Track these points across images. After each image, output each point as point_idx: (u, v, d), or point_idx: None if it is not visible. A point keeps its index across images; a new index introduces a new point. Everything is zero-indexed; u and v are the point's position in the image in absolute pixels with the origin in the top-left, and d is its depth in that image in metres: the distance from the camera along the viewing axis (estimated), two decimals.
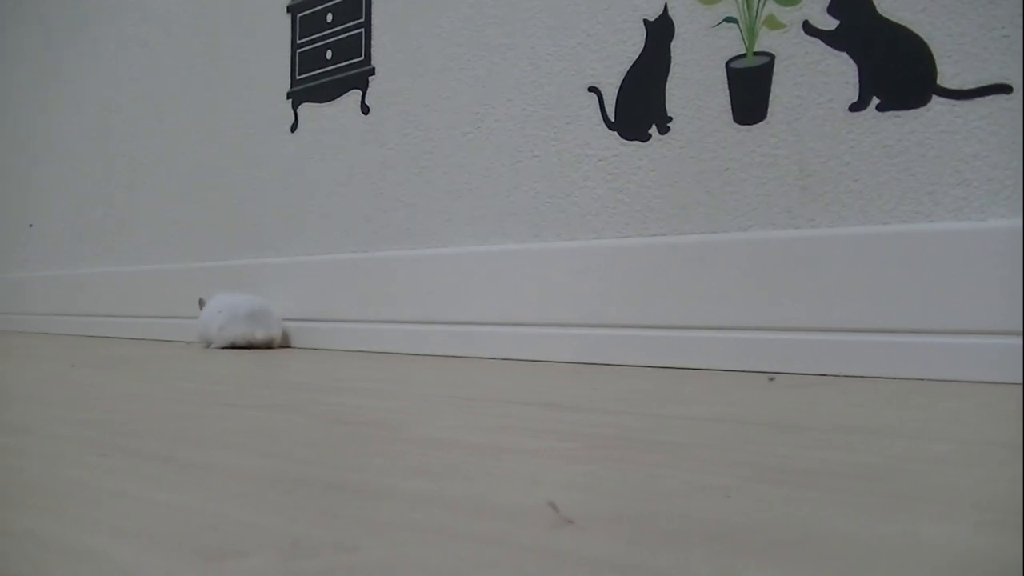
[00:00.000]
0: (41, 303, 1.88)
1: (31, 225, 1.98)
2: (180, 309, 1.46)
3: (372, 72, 1.19)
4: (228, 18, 1.44)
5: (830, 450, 0.38)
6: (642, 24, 0.91)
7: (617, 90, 0.93)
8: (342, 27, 1.24)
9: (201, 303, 1.30)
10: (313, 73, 1.28)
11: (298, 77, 1.31)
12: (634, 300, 0.88)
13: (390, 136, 1.16)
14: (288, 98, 1.32)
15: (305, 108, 1.29)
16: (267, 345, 1.24)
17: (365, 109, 1.20)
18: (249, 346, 1.22)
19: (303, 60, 1.30)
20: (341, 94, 1.24)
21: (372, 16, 1.20)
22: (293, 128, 1.31)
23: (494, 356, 1.00)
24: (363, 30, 1.21)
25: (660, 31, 0.90)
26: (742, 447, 0.40)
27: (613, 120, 0.93)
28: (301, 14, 1.31)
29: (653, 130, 0.90)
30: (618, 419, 0.49)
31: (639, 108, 0.91)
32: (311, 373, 0.83)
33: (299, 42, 1.31)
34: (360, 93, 1.21)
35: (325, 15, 1.27)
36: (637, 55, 0.91)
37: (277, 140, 1.33)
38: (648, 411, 0.53)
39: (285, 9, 1.33)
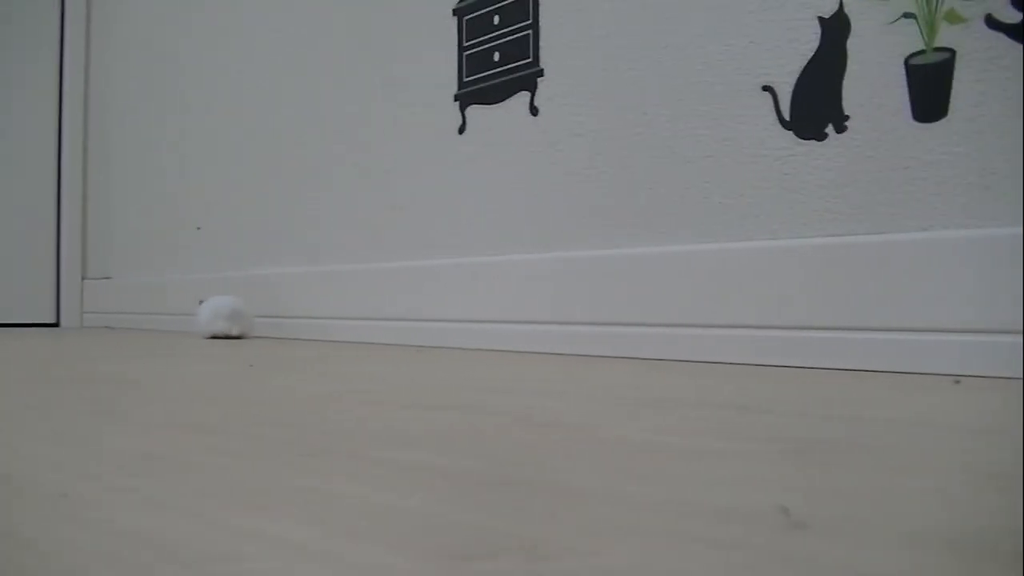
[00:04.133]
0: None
1: (199, 228, 2.12)
2: (355, 310, 1.56)
3: (540, 74, 1.25)
4: (393, 21, 1.52)
5: None
6: (816, 22, 0.94)
7: (792, 89, 0.96)
8: (509, 29, 1.30)
9: (201, 303, 1.72)
10: (481, 75, 1.35)
11: (465, 79, 1.38)
12: (810, 301, 0.92)
13: (559, 137, 1.22)
14: (455, 100, 1.40)
15: (473, 110, 1.36)
16: (240, 337, 1.68)
17: (534, 111, 1.26)
18: (227, 337, 1.66)
19: (470, 62, 1.37)
20: (509, 96, 1.30)
21: (540, 18, 1.25)
22: (461, 130, 1.38)
23: (665, 357, 1.04)
24: (531, 32, 1.27)
25: (836, 28, 0.93)
26: (944, 450, 0.41)
27: (788, 119, 0.96)
28: (467, 17, 1.38)
29: (829, 129, 0.92)
30: (812, 422, 0.52)
31: (815, 107, 0.94)
32: (482, 373, 0.90)
33: (465, 44, 1.38)
34: (529, 95, 1.27)
35: (492, 17, 1.33)
36: (812, 53, 0.94)
37: (444, 142, 1.41)
38: (841, 413, 0.56)
39: (451, 12, 1.40)
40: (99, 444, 0.45)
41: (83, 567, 0.25)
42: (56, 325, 2.63)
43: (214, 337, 1.66)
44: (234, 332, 1.66)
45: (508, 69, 1.32)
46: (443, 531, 0.27)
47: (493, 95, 1.35)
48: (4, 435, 0.48)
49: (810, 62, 0.96)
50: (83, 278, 2.66)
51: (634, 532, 0.27)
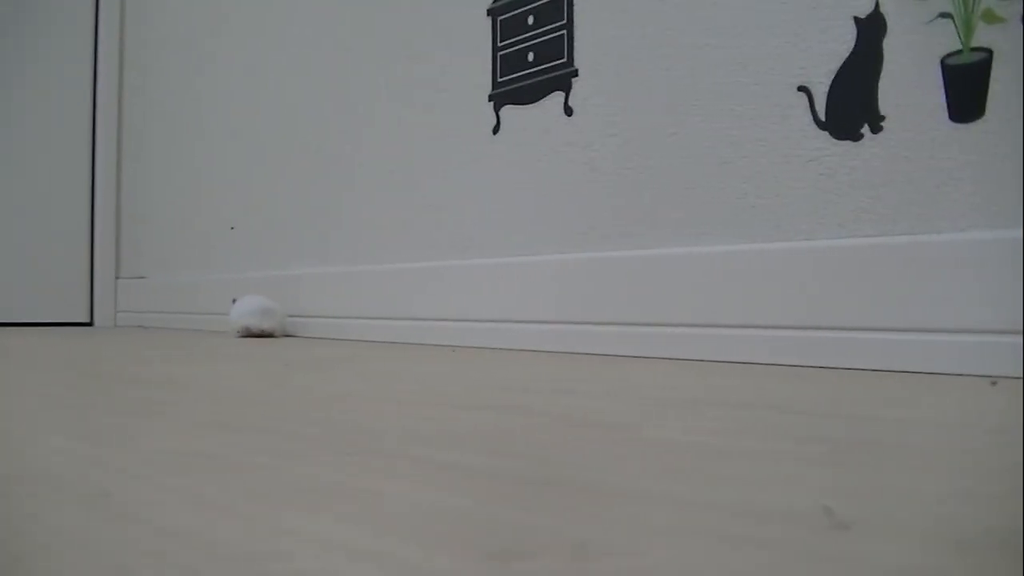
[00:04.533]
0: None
1: (232, 227, 2.14)
2: (388, 310, 1.57)
3: (575, 74, 1.26)
4: (427, 22, 1.53)
5: None
6: (852, 22, 0.94)
7: (827, 89, 0.96)
8: (544, 29, 1.31)
9: (234, 302, 1.78)
10: (515, 75, 1.36)
11: (499, 79, 1.39)
12: (845, 303, 0.92)
13: (594, 138, 1.23)
14: (490, 100, 1.41)
15: (508, 110, 1.37)
16: (271, 334, 1.74)
17: (568, 111, 1.27)
18: (261, 335, 1.73)
19: (504, 62, 1.38)
20: (544, 96, 1.31)
21: (574, 18, 1.26)
22: (495, 130, 1.39)
23: (698, 358, 1.05)
24: (565, 32, 1.28)
25: (872, 28, 0.93)
26: (980, 452, 0.42)
27: (824, 120, 0.96)
28: (501, 17, 1.39)
29: (865, 129, 0.93)
30: (840, 423, 0.52)
31: (850, 107, 0.94)
32: (517, 373, 0.90)
33: (500, 44, 1.39)
34: (563, 95, 1.28)
35: (526, 17, 1.34)
36: (848, 53, 0.94)
37: (478, 142, 1.42)
38: (875, 414, 0.57)
39: (485, 12, 1.41)
40: (138, 443, 0.46)
41: (129, 566, 0.25)
42: (90, 324, 2.67)
43: (248, 334, 1.72)
44: (266, 327, 1.72)
45: (543, 69, 1.33)
46: (486, 530, 0.28)
47: (527, 95, 1.36)
48: (43, 434, 0.50)
49: (846, 62, 0.96)
50: (117, 277, 2.70)
51: (679, 532, 0.27)
